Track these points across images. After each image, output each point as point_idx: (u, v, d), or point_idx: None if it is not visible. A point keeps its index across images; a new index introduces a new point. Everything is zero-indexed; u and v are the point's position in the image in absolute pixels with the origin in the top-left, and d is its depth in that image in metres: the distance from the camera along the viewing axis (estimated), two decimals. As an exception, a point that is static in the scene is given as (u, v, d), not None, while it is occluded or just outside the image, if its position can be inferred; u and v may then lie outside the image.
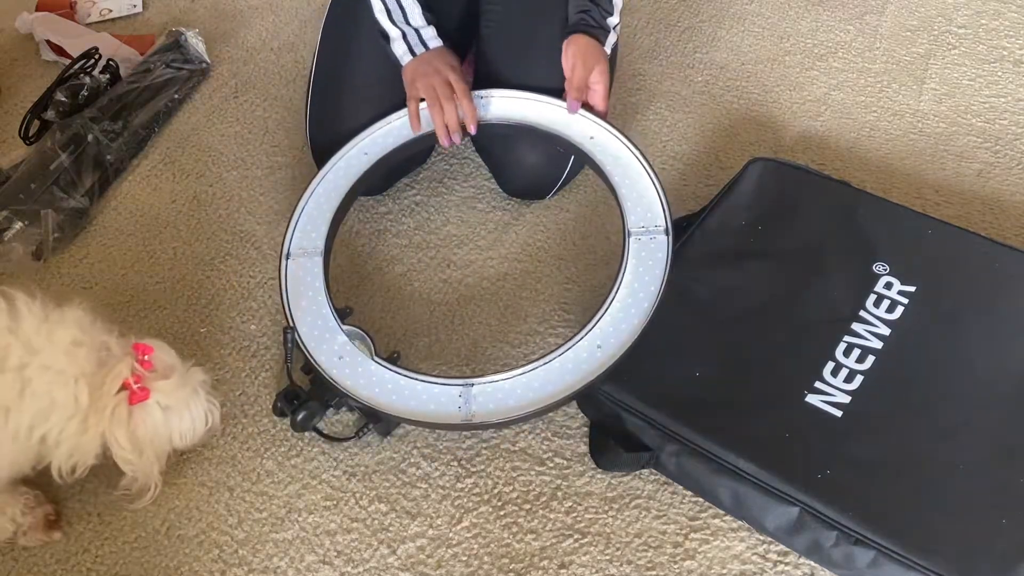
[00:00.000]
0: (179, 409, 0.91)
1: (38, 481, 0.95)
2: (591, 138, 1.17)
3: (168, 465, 0.96)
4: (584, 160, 1.18)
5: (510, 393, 1.00)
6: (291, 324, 1.06)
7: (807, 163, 1.32)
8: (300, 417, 1.02)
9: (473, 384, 1.01)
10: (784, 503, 0.90)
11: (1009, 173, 1.31)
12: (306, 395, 1.03)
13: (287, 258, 1.13)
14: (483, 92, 1.22)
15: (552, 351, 1.01)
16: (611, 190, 1.14)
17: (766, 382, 0.99)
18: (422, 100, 1.19)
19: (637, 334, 1.00)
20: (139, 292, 1.24)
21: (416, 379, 1.02)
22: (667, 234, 1.07)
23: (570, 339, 1.01)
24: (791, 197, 1.19)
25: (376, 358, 1.04)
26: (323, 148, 1.26)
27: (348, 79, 1.26)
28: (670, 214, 1.09)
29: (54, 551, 0.99)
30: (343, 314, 1.09)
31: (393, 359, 1.06)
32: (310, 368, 1.05)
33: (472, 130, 1.18)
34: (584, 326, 1.02)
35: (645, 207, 1.10)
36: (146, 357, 0.90)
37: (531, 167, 1.25)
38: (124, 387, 0.88)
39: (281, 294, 1.10)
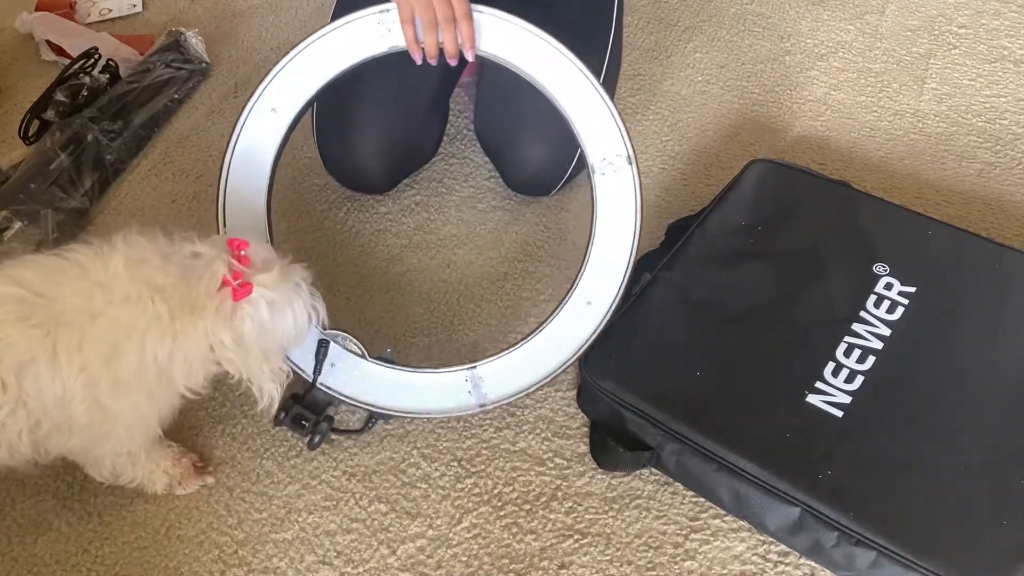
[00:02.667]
0: (282, 305, 0.85)
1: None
2: (531, 53, 1.05)
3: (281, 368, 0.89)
4: (528, 87, 1.05)
5: (515, 368, 1.01)
6: (325, 334, 1.01)
7: (807, 163, 1.32)
8: (316, 440, 1.02)
9: (476, 367, 1.02)
10: (785, 503, 0.90)
11: (1010, 173, 1.31)
12: (312, 415, 1.02)
13: None
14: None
15: (544, 319, 1.02)
16: (567, 119, 1.05)
17: (767, 382, 0.99)
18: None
19: (623, 283, 1.01)
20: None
21: (418, 373, 1.02)
22: (631, 163, 1.02)
23: (559, 302, 1.02)
24: (791, 198, 1.19)
25: (371, 358, 1.03)
26: (337, 167, 1.28)
27: (355, 94, 1.22)
28: (630, 140, 1.03)
29: (54, 551, 0.99)
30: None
31: (387, 357, 1.05)
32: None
33: (470, 57, 1.04)
34: (570, 286, 1.03)
35: (603, 136, 1.03)
36: (243, 252, 0.83)
37: (537, 161, 1.23)
38: (224, 284, 0.82)
39: None
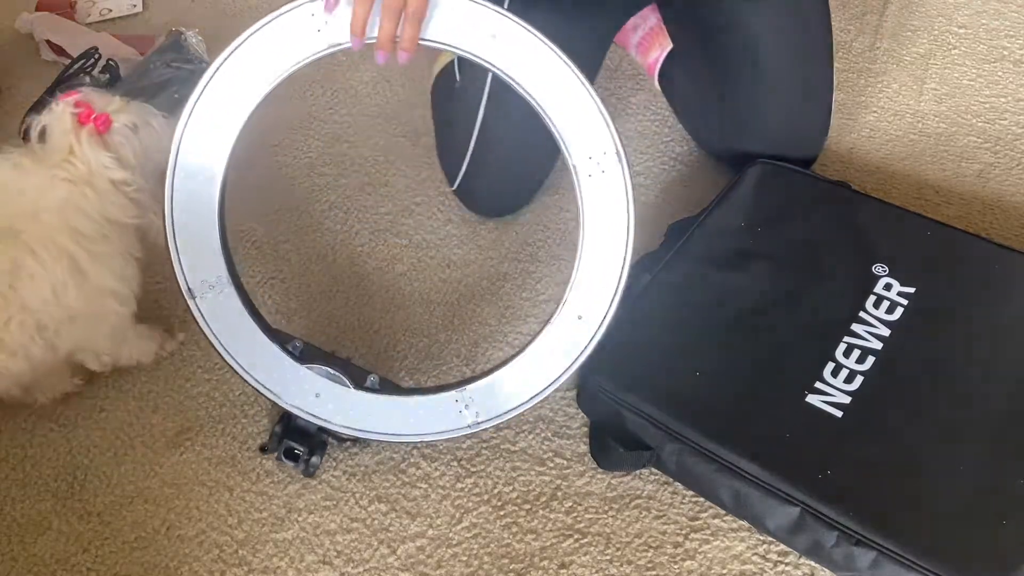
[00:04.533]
0: (143, 123, 0.94)
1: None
2: (493, 37, 0.89)
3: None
4: (491, 76, 0.94)
5: (505, 387, 0.97)
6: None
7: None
8: (309, 469, 1.01)
9: (466, 388, 0.97)
10: (785, 503, 0.90)
11: (1009, 173, 1.31)
12: (304, 447, 1.00)
13: (193, 298, 0.95)
14: None
15: (533, 336, 0.96)
16: (540, 113, 0.91)
17: (767, 382, 0.99)
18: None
19: (616, 295, 0.93)
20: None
21: (407, 396, 0.98)
22: (620, 160, 0.90)
23: (549, 317, 0.96)
24: (791, 199, 1.19)
25: (357, 388, 0.97)
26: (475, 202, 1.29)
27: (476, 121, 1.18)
28: (617, 132, 0.91)
29: (54, 551, 0.99)
30: (294, 347, 0.98)
31: (370, 384, 0.98)
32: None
33: (402, 59, 0.89)
34: (560, 299, 0.95)
35: (587, 130, 0.90)
36: (74, 98, 0.92)
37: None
38: (83, 124, 0.90)
39: (212, 342, 0.95)
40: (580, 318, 0.95)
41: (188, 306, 0.94)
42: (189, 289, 0.94)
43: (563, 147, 0.92)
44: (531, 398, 0.97)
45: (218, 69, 0.91)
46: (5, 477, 1.05)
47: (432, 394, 0.98)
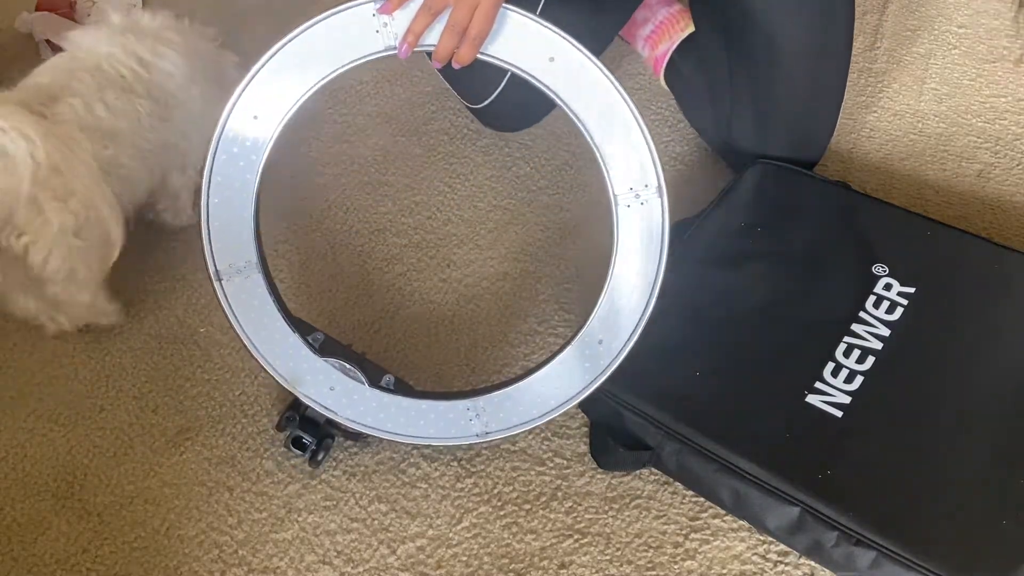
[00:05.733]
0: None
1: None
2: (551, 60, 0.88)
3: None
4: (548, 98, 0.90)
5: (519, 401, 0.98)
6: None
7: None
8: (319, 460, 1.01)
9: (479, 398, 0.97)
10: (785, 503, 0.90)
11: (1009, 174, 1.31)
12: (314, 434, 1.00)
13: (220, 280, 0.94)
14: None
15: (551, 355, 0.97)
16: (588, 140, 0.91)
17: (766, 382, 0.99)
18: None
19: (639, 325, 0.94)
20: (139, 292, 1.24)
21: (419, 399, 0.98)
22: (660, 195, 0.90)
23: (570, 338, 0.97)
24: (791, 199, 1.19)
25: (371, 386, 0.98)
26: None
27: None
28: (661, 168, 0.91)
29: (54, 551, 0.99)
30: (315, 339, 0.99)
31: (386, 385, 0.99)
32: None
33: (455, 65, 0.90)
34: (583, 323, 0.96)
35: (633, 161, 0.91)
36: None
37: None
38: None
39: (233, 325, 0.95)
40: (600, 343, 0.96)
41: (214, 287, 0.93)
42: (217, 271, 0.93)
43: (606, 175, 0.91)
44: (541, 415, 0.98)
45: (271, 57, 0.91)
46: (5, 477, 1.06)
47: (444, 400, 0.98)
